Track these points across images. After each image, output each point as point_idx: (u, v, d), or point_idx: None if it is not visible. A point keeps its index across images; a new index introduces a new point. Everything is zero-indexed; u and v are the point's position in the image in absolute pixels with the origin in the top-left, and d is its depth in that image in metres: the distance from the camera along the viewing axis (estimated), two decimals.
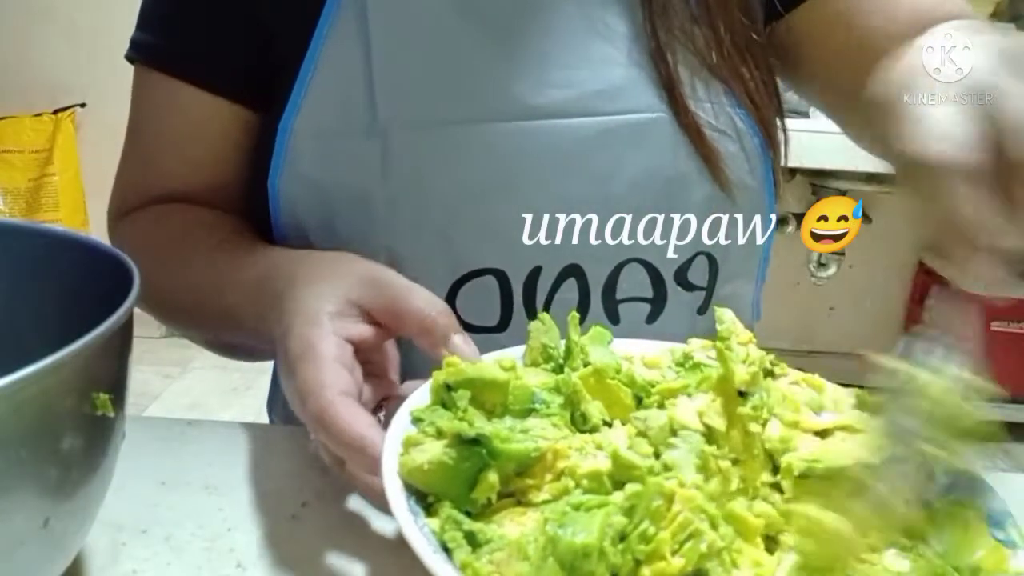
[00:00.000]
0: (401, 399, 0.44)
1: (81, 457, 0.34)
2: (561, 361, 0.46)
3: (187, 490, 0.49)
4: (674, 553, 0.32)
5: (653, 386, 0.44)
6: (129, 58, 0.64)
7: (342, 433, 0.39)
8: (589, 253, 0.58)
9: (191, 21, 0.61)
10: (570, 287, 0.59)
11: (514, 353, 0.47)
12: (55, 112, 2.55)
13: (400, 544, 0.44)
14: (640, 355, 0.48)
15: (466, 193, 0.57)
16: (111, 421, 0.35)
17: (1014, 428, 2.29)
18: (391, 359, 0.49)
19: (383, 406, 0.47)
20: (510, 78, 0.57)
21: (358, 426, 0.39)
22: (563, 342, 0.47)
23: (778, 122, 0.63)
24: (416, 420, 0.40)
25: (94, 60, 2.48)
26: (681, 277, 0.61)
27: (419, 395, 0.42)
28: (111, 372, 0.35)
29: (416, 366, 0.49)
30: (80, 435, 0.34)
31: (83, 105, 2.56)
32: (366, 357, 0.45)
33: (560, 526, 0.33)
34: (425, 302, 0.45)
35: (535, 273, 0.58)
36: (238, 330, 0.55)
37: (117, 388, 0.36)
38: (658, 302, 0.60)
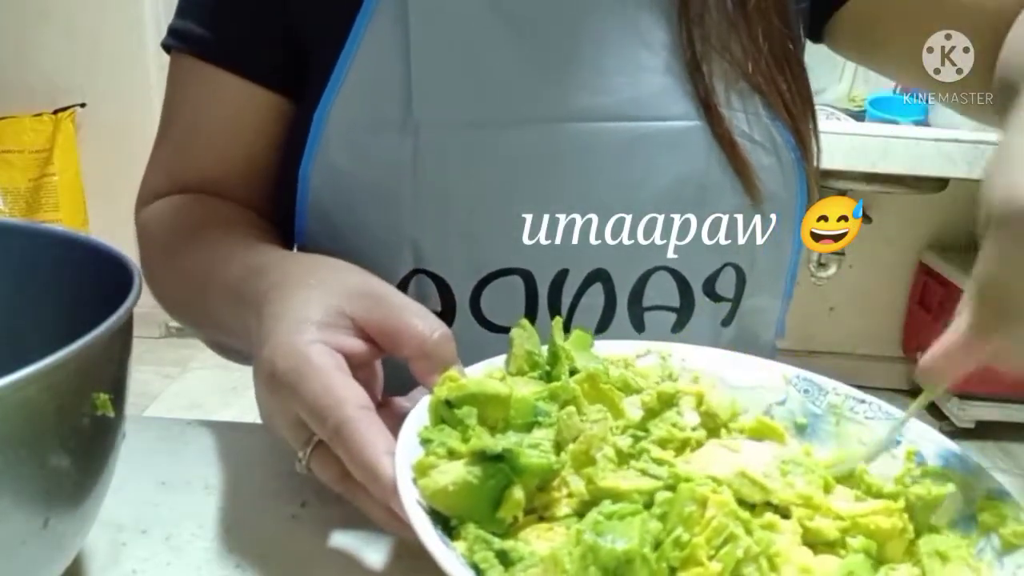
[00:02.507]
0: (388, 411, 0.43)
1: (81, 457, 0.34)
2: (547, 367, 0.45)
3: (187, 490, 0.49)
4: (710, 558, 0.32)
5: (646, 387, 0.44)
6: (166, 46, 0.64)
7: (359, 456, 0.37)
8: (616, 258, 0.58)
9: (229, 9, 0.61)
10: (596, 292, 0.58)
11: (496, 362, 0.46)
12: (55, 112, 2.55)
13: (400, 544, 0.44)
14: (624, 356, 0.48)
15: (496, 193, 0.56)
16: (111, 421, 0.35)
17: (1014, 428, 2.29)
18: (378, 377, 0.46)
19: None
20: (547, 82, 0.57)
21: (375, 449, 0.37)
22: (545, 348, 0.46)
23: (811, 125, 0.62)
24: (424, 441, 0.38)
25: (94, 60, 2.48)
26: (709, 287, 0.60)
27: (419, 412, 0.41)
28: (111, 372, 0.35)
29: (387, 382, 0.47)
30: (80, 435, 0.34)
31: (83, 105, 2.56)
32: (352, 373, 0.42)
33: (598, 535, 0.32)
34: (425, 323, 0.42)
35: (561, 276, 0.58)
36: (223, 331, 0.55)
37: (117, 388, 0.36)
38: (684, 312, 0.60)
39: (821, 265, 2.26)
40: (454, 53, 0.57)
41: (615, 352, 0.49)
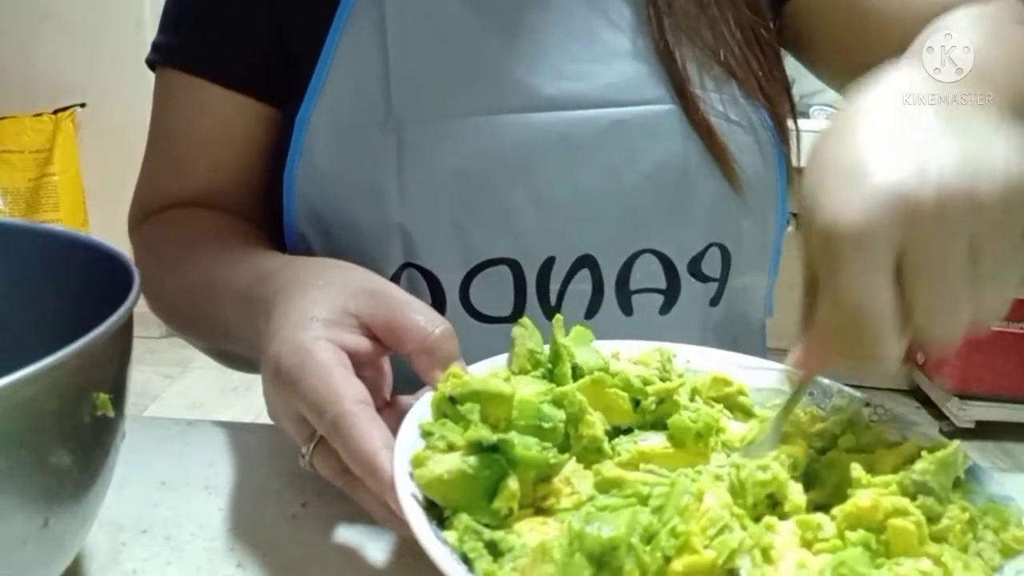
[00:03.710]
0: (394, 410, 0.43)
1: (81, 457, 0.34)
2: (550, 365, 0.45)
3: (187, 490, 0.49)
4: (705, 547, 0.32)
5: (649, 384, 0.44)
6: (151, 62, 0.65)
7: (356, 450, 0.38)
8: (602, 244, 0.58)
9: (212, 21, 0.61)
10: (583, 278, 0.59)
11: (499, 361, 0.46)
12: (55, 112, 2.56)
13: (401, 544, 0.44)
14: (628, 356, 0.48)
15: (480, 184, 0.57)
16: (111, 421, 0.35)
17: (1014, 428, 2.29)
18: (385, 377, 0.46)
19: None
20: (525, 70, 0.57)
21: (372, 444, 0.37)
22: (547, 346, 0.46)
23: (790, 122, 0.63)
24: (425, 434, 0.38)
25: (94, 60, 2.49)
26: (695, 268, 0.61)
27: (420, 407, 0.41)
28: (111, 372, 0.35)
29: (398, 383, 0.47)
30: (80, 435, 0.34)
31: (83, 105, 2.56)
32: (357, 372, 0.42)
33: (587, 523, 0.32)
34: (427, 319, 0.43)
35: (548, 263, 0.58)
36: (230, 339, 0.55)
37: (117, 388, 0.36)
38: (671, 293, 0.61)
39: None
40: (431, 48, 0.57)
41: (616, 349, 0.48)
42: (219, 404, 2.35)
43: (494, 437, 0.36)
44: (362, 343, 0.43)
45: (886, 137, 0.36)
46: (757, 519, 0.36)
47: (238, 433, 0.56)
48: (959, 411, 2.27)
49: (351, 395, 0.39)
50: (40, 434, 0.31)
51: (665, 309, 0.61)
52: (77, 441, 0.34)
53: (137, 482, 0.49)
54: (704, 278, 0.61)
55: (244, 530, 0.46)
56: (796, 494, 0.38)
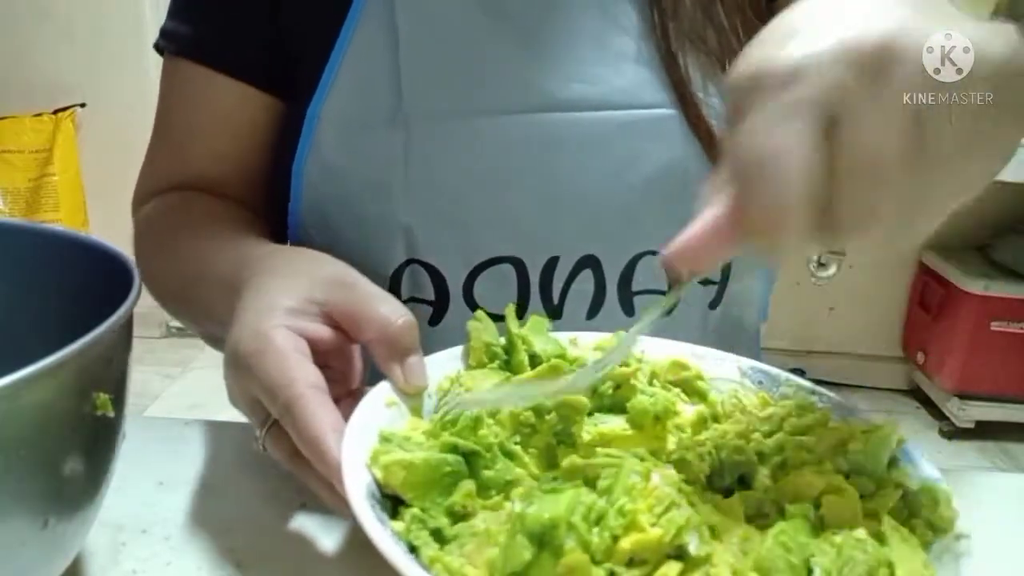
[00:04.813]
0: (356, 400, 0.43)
1: (81, 457, 0.34)
2: (506, 357, 0.46)
3: (187, 490, 0.49)
4: (652, 525, 0.32)
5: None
6: (158, 48, 0.65)
7: (305, 432, 0.38)
8: (605, 245, 0.59)
9: (221, 10, 0.62)
10: (586, 278, 0.59)
11: (454, 353, 0.47)
12: (55, 112, 2.55)
13: None
14: (592, 343, 0.49)
15: (486, 182, 0.57)
16: (111, 421, 0.35)
17: (1014, 428, 2.29)
18: (355, 367, 0.46)
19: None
20: (530, 72, 0.58)
21: (322, 427, 0.38)
22: (503, 338, 0.47)
23: None
24: (384, 440, 0.39)
25: (94, 60, 2.48)
26: None
27: (372, 397, 0.41)
28: (111, 372, 0.35)
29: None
30: (80, 435, 0.34)
31: (83, 105, 2.56)
32: (323, 361, 0.43)
33: (528, 505, 0.32)
34: (389, 309, 0.43)
35: (552, 263, 0.59)
36: (216, 323, 0.55)
37: (117, 388, 0.36)
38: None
39: (821, 265, 2.25)
40: (441, 47, 0.58)
41: (572, 337, 0.49)
42: (219, 404, 2.31)
43: (468, 447, 0.37)
44: (323, 331, 0.43)
45: (827, 8, 0.33)
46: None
47: (238, 433, 0.56)
48: (959, 411, 2.27)
49: (304, 379, 0.40)
50: (40, 434, 0.31)
51: (666, 311, 0.61)
52: (77, 441, 0.34)
53: (137, 482, 0.49)
54: (705, 281, 0.62)
55: (244, 530, 0.46)
56: (763, 476, 0.39)
